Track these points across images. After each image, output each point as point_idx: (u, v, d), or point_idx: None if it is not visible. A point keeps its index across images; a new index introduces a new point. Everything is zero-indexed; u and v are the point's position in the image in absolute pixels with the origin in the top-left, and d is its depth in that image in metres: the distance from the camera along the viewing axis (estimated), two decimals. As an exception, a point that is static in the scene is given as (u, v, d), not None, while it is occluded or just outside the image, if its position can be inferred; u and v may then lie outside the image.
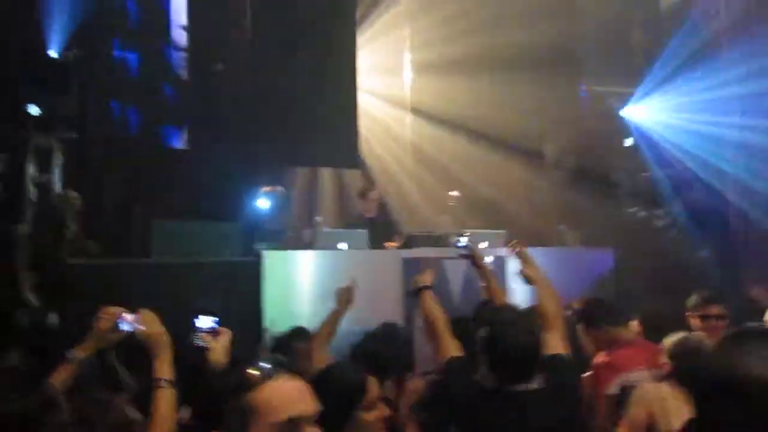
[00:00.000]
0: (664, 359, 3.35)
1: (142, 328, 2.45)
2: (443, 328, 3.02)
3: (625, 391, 3.83)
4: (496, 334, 2.59)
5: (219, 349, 2.23)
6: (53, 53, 6.86)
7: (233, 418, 1.48)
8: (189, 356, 2.47)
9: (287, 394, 1.58)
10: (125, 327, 2.48)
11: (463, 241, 3.35)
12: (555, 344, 2.78)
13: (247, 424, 1.46)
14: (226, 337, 2.26)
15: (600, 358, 4.00)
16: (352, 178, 9.05)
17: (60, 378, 2.33)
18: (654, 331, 4.42)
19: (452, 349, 2.87)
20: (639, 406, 3.06)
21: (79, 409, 1.81)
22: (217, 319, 2.27)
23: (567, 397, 2.63)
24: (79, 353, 2.42)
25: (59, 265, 5.46)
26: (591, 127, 8.89)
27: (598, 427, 3.82)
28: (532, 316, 2.77)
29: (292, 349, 4.19)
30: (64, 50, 6.95)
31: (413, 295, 3.25)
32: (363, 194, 7.11)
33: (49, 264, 5.32)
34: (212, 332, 2.23)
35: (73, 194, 6.05)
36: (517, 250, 3.89)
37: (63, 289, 5.33)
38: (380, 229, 6.89)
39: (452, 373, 2.76)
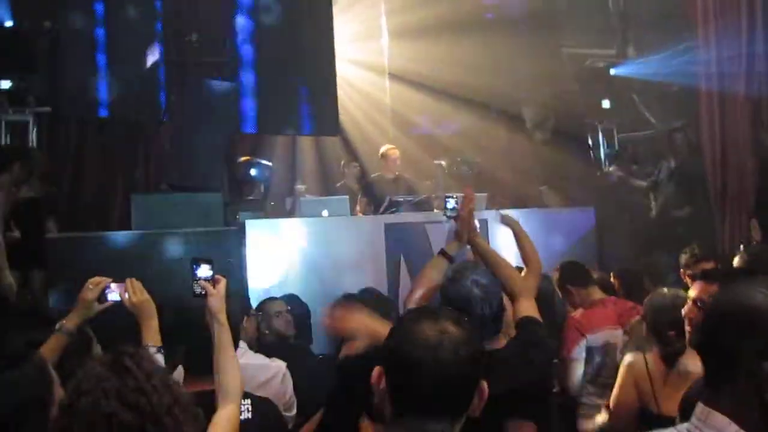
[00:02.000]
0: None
1: (129, 296, 2.46)
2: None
3: (591, 351, 3.91)
4: (451, 289, 2.58)
5: (218, 296, 2.26)
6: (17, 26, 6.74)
7: None
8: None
9: None
10: (112, 296, 2.49)
11: (452, 203, 3.34)
12: (526, 308, 2.78)
13: None
14: (222, 284, 2.30)
15: (568, 319, 4.09)
16: (332, 145, 9.02)
17: (49, 349, 2.32)
18: (632, 289, 4.51)
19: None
20: (627, 384, 3.00)
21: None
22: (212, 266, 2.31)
23: (534, 358, 2.57)
24: (68, 324, 2.41)
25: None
26: (569, 89, 8.89)
27: (566, 388, 3.89)
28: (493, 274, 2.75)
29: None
30: (32, 24, 6.84)
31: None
32: (384, 155, 7.10)
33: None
34: (210, 280, 2.26)
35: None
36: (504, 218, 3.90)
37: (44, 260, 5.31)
38: (403, 187, 6.90)
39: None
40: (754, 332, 1.28)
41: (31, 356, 1.77)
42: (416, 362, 1.39)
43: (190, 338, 2.48)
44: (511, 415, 2.42)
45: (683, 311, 2.61)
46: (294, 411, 3.17)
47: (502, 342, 2.58)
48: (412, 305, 2.85)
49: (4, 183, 4.94)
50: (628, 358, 3.04)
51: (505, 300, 2.74)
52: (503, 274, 2.84)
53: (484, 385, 1.47)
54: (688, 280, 4.12)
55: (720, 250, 6.07)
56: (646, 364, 2.95)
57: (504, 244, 4.13)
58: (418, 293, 2.95)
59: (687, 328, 2.60)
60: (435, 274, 2.99)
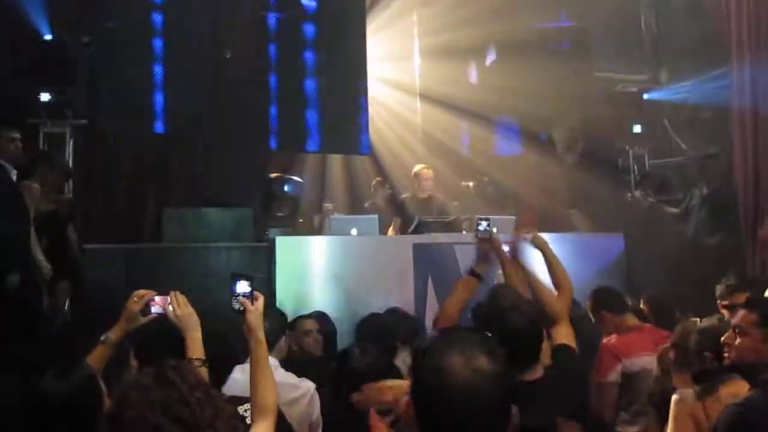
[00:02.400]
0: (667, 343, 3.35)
1: (173, 309, 2.48)
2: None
3: (627, 377, 3.87)
4: (492, 315, 2.53)
5: (256, 312, 2.29)
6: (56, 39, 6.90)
7: None
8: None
9: None
10: (155, 309, 2.51)
11: (483, 225, 3.35)
12: (563, 335, 2.76)
13: None
14: (261, 300, 2.32)
15: (603, 344, 4.05)
16: (361, 164, 9.07)
17: (94, 359, 2.38)
18: (661, 316, 4.47)
19: None
20: (685, 419, 2.85)
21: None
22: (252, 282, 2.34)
23: (570, 389, 2.57)
24: (112, 335, 2.46)
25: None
26: (600, 113, 8.86)
27: (600, 415, 3.84)
28: (528, 302, 2.70)
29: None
30: (71, 36, 7.00)
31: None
32: (417, 174, 7.12)
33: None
34: (249, 296, 2.29)
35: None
36: (528, 235, 3.88)
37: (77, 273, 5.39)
38: (435, 207, 6.92)
39: None
40: None
41: (81, 368, 1.81)
42: (446, 402, 1.34)
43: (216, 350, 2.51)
44: None
45: (723, 338, 2.60)
46: (320, 431, 3.18)
47: (539, 372, 2.52)
48: (441, 325, 2.86)
49: (35, 189, 5.05)
50: (677, 395, 2.96)
51: None
52: (543, 298, 2.83)
53: (515, 410, 1.42)
54: (724, 311, 4.08)
55: (751, 278, 5.97)
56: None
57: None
58: (448, 313, 2.95)
59: (726, 353, 2.59)
60: (465, 293, 3.00)
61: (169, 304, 2.48)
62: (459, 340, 1.42)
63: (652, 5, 8.89)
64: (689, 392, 2.89)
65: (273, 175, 7.75)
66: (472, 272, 3.11)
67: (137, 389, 1.43)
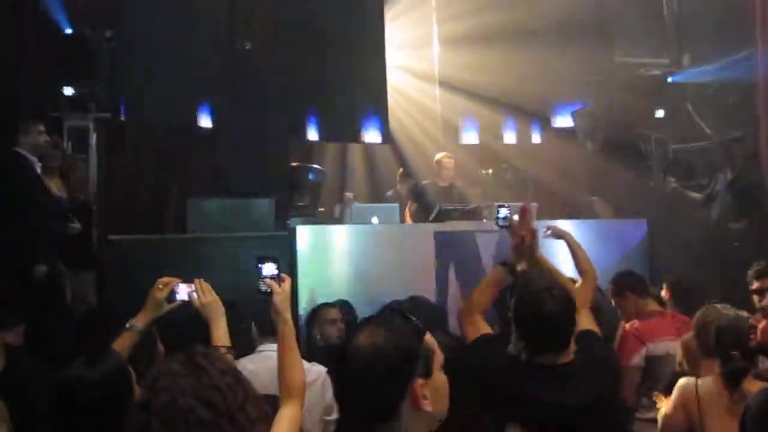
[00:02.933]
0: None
1: (198, 297, 2.49)
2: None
3: (651, 361, 3.86)
4: (526, 300, 2.52)
5: (284, 294, 2.29)
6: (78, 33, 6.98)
7: None
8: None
9: None
10: (181, 296, 2.53)
11: (503, 212, 3.34)
12: (586, 321, 2.77)
13: None
14: (288, 282, 2.33)
15: (626, 328, 4.03)
16: (381, 153, 9.06)
17: (121, 346, 2.41)
18: (683, 301, 4.43)
19: (485, 329, 2.81)
20: (678, 406, 2.95)
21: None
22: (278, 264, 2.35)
23: (600, 372, 2.57)
24: (138, 323, 2.49)
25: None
26: (622, 98, 8.77)
27: (622, 399, 3.83)
28: (561, 286, 2.70)
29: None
30: (93, 30, 7.06)
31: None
32: (439, 162, 7.13)
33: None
34: (276, 278, 2.30)
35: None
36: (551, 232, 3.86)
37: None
38: (456, 195, 6.94)
39: (480, 344, 2.72)
40: None
41: (110, 355, 1.84)
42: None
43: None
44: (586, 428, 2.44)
45: (750, 319, 2.61)
46: (334, 415, 3.20)
47: (570, 355, 2.53)
48: (467, 316, 2.87)
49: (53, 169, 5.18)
50: (681, 380, 2.99)
51: None
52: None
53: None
54: (755, 296, 4.03)
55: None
56: (696, 388, 2.91)
57: (552, 255, 4.10)
58: (476, 303, 2.95)
59: (752, 335, 2.60)
60: (495, 284, 3.00)
61: (194, 291, 2.49)
62: (371, 321, 1.64)
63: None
64: (691, 381, 2.91)
65: (294, 164, 7.80)
66: (503, 263, 3.10)
67: (167, 375, 1.45)
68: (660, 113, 8.65)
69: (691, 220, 7.11)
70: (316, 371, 3.16)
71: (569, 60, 8.82)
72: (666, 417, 3.00)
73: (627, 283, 4.25)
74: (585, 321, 2.75)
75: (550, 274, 2.91)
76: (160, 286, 2.52)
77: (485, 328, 2.80)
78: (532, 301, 2.50)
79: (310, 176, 7.44)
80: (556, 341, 2.49)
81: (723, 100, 8.03)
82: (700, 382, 2.91)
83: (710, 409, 2.83)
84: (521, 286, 2.62)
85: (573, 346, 2.55)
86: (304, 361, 3.21)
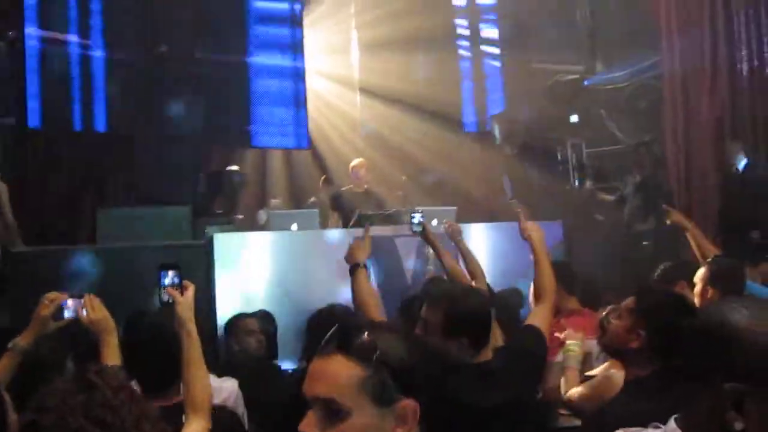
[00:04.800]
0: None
1: (87, 313, 2.37)
2: (375, 312, 2.97)
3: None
4: (452, 302, 2.54)
5: (186, 303, 2.19)
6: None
7: None
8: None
9: None
10: (68, 313, 2.39)
11: (417, 218, 3.37)
12: (537, 316, 2.78)
13: None
14: (191, 290, 2.22)
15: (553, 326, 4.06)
16: (302, 159, 9.00)
17: (2, 368, 2.26)
18: (590, 300, 4.52)
19: None
20: (594, 396, 2.86)
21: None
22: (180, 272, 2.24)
23: (520, 369, 2.58)
24: (21, 342, 2.33)
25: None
26: (539, 103, 8.98)
27: (546, 393, 3.88)
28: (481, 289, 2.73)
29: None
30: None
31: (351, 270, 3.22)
32: (353, 168, 7.08)
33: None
34: (178, 287, 2.19)
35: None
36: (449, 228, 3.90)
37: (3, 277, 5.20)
38: (372, 201, 6.90)
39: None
40: (723, 351, 1.26)
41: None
42: None
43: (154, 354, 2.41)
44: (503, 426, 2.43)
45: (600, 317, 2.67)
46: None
47: (488, 354, 2.55)
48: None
49: None
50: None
51: None
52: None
53: None
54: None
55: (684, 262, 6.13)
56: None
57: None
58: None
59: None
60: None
61: (83, 307, 2.37)
62: None
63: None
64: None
65: (212, 170, 7.65)
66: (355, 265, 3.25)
67: (56, 394, 1.36)
68: (575, 118, 8.89)
69: (605, 222, 7.34)
70: (228, 389, 3.06)
71: (488, 66, 8.98)
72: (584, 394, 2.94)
73: (558, 275, 4.20)
74: (537, 316, 2.78)
75: (471, 268, 2.97)
76: (45, 302, 2.37)
77: None
78: (449, 302, 2.51)
79: (229, 180, 7.29)
80: (472, 341, 2.49)
81: (634, 105, 8.33)
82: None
83: None
84: (444, 290, 2.63)
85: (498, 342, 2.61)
86: (215, 377, 3.13)
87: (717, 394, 1.20)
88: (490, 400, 2.45)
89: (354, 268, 3.12)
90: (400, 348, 1.35)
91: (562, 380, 2.99)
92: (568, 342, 3.04)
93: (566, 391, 2.90)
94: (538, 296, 2.95)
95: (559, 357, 3.87)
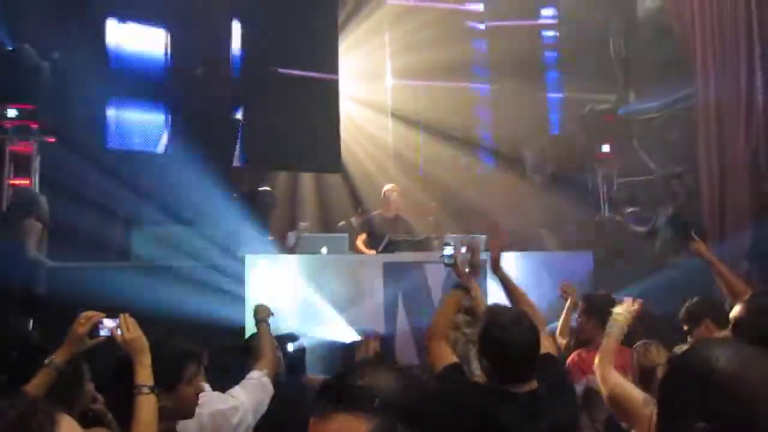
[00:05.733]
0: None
1: (121, 333, 2.38)
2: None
3: (589, 393, 3.86)
4: (497, 332, 2.55)
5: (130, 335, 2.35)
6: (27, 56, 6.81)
7: None
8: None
9: None
10: (104, 332, 2.41)
11: (448, 251, 3.39)
12: (544, 344, 2.80)
13: None
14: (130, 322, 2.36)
15: (573, 357, 4.02)
16: (333, 183, 9.06)
17: (37, 384, 2.28)
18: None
19: (449, 356, 2.85)
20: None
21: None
22: None
23: (563, 399, 2.63)
24: (57, 359, 2.35)
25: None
26: (570, 133, 8.98)
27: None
28: (528, 317, 2.73)
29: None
30: (39, 51, 6.91)
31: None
32: (385, 195, 7.12)
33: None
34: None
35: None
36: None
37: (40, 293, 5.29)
38: (401, 227, 6.91)
39: (450, 375, 2.74)
40: (701, 392, 1.23)
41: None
42: None
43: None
44: None
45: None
46: None
47: (533, 384, 2.57)
48: (432, 339, 2.91)
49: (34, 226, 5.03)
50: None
51: None
52: (524, 307, 2.95)
53: None
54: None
55: (718, 295, 6.04)
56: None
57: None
58: (438, 326, 3.00)
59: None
60: (455, 308, 3.07)
61: (118, 327, 2.38)
62: None
63: (622, 30, 9.06)
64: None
65: (245, 190, 7.74)
66: (459, 285, 3.17)
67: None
68: (606, 148, 8.86)
69: (635, 253, 7.27)
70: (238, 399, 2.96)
71: (519, 94, 9.00)
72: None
73: (596, 304, 4.08)
74: (545, 344, 2.78)
75: (512, 295, 3.00)
76: (82, 321, 2.39)
77: (450, 357, 2.83)
78: (503, 332, 2.54)
79: (265, 204, 7.37)
80: (523, 370, 2.54)
81: (666, 136, 8.28)
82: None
83: None
84: (488, 317, 2.65)
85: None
86: (218, 393, 3.09)
87: None
88: (539, 428, 2.49)
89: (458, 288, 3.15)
90: (399, 385, 1.26)
91: (605, 342, 2.94)
92: (615, 310, 3.01)
93: (602, 358, 2.87)
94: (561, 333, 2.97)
95: (577, 391, 3.83)
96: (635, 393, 2.56)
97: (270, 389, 3.04)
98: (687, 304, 3.97)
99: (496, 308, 2.75)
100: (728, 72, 7.15)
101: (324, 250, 6.14)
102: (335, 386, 1.24)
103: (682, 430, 1.21)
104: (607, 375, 2.71)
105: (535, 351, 2.55)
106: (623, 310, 2.98)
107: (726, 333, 3.95)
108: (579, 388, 3.84)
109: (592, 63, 9.09)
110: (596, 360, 2.82)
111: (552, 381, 2.62)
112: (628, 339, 4.25)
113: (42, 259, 5.55)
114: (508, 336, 2.51)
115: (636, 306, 3.00)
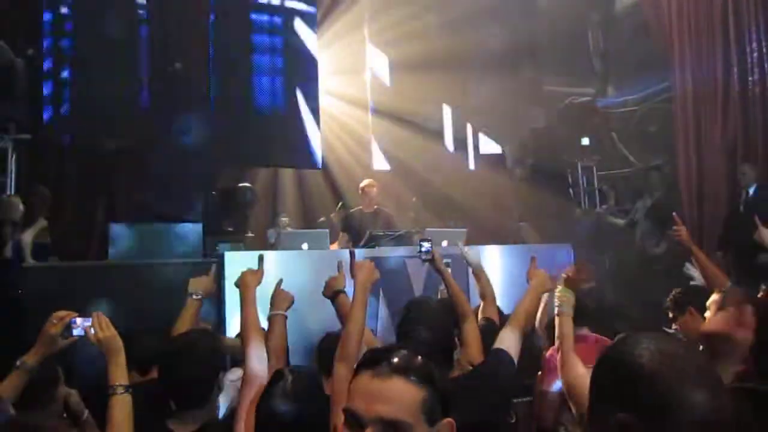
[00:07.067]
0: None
1: (94, 332, 2.33)
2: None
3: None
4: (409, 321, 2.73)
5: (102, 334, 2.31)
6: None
7: None
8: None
9: None
10: (77, 331, 2.36)
11: (426, 246, 3.39)
12: (506, 339, 2.79)
13: None
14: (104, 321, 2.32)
15: (545, 356, 4.02)
16: (313, 178, 9.03)
17: (9, 386, 2.25)
18: (605, 326, 4.48)
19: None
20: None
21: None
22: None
23: (484, 391, 2.60)
24: (29, 360, 2.31)
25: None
26: (550, 126, 9.00)
27: (539, 420, 3.85)
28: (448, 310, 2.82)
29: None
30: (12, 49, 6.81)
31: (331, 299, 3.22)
32: (363, 189, 7.08)
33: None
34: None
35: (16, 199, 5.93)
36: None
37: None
38: (381, 221, 6.89)
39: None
40: (624, 386, 1.27)
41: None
42: None
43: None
44: None
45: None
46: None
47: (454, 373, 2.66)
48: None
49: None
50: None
51: None
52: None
53: None
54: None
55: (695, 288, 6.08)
56: None
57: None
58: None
59: None
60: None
61: (91, 326, 2.33)
62: None
63: (600, 23, 9.09)
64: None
65: (224, 187, 7.69)
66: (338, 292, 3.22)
67: None
68: (585, 141, 8.90)
69: (615, 246, 7.31)
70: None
71: (498, 88, 9.01)
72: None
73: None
74: (505, 339, 2.78)
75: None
76: (54, 321, 2.34)
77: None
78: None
79: (245, 200, 7.31)
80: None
81: (645, 129, 8.33)
82: None
83: None
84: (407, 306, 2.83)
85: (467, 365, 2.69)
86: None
87: (607, 424, 1.23)
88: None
89: (337, 294, 3.12)
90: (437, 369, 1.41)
91: (557, 327, 2.95)
92: (558, 290, 3.00)
93: (560, 336, 2.89)
94: (511, 320, 2.94)
95: (553, 388, 3.83)
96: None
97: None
98: (673, 293, 4.01)
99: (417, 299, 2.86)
100: (704, 63, 7.21)
101: (305, 246, 6.09)
102: (401, 356, 1.39)
103: (604, 418, 1.25)
104: (569, 364, 2.77)
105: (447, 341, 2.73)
106: (563, 288, 2.98)
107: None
108: (555, 386, 3.85)
109: (570, 56, 9.12)
110: (558, 345, 2.84)
111: (485, 372, 2.68)
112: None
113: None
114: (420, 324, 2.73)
115: (570, 273, 3.00)
